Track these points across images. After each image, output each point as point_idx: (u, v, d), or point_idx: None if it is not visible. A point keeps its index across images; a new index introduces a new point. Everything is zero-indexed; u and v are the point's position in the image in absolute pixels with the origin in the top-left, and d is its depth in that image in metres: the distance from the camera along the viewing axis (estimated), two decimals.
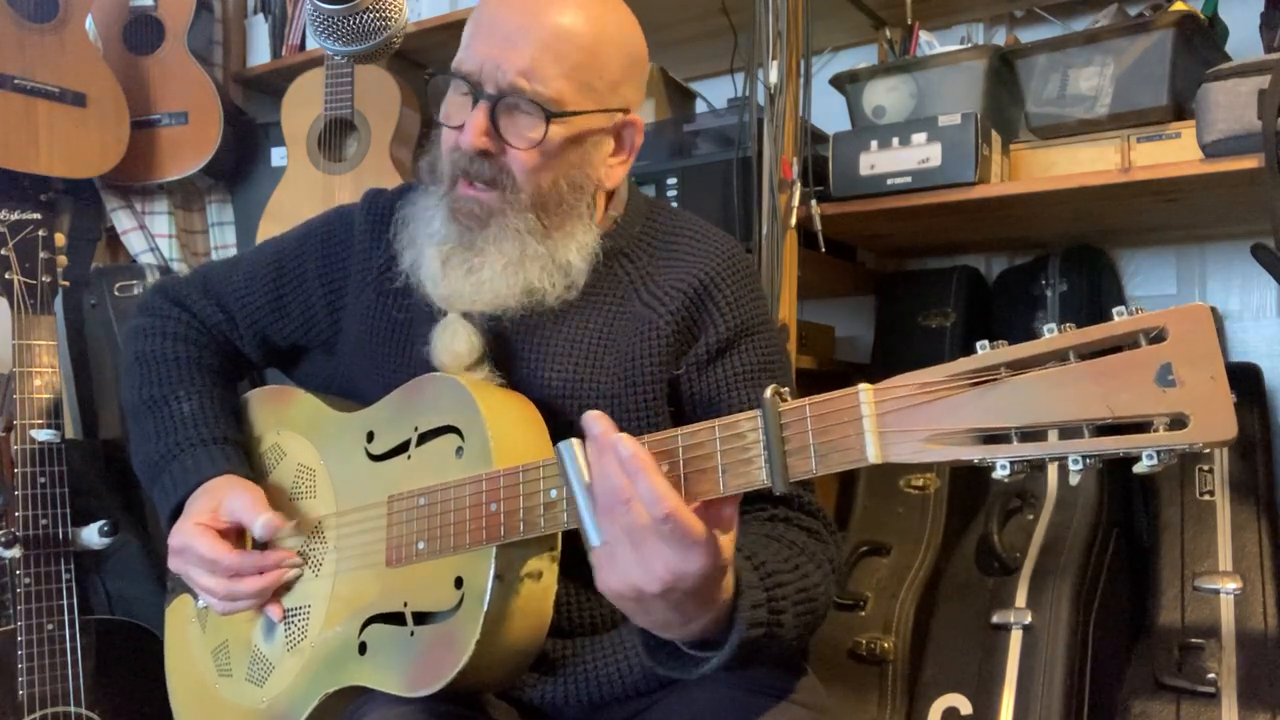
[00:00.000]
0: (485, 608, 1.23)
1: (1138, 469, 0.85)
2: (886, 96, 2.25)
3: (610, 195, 1.49)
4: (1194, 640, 1.90)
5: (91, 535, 2.18)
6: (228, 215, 2.96)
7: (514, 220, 1.36)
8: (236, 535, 1.46)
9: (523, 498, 1.22)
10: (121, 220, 2.83)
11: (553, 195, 1.37)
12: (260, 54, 3.10)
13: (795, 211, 2.09)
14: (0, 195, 2.37)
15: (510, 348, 1.43)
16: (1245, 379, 2.18)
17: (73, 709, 2.13)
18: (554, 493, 1.20)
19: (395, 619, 1.33)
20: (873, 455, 0.95)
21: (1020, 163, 2.14)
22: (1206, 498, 2.06)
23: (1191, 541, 2.03)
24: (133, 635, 2.25)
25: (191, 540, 1.41)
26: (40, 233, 2.21)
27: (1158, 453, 0.84)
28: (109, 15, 2.79)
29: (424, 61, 2.89)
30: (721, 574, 1.08)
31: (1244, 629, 1.89)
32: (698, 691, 1.34)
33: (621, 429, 1.36)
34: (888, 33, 2.53)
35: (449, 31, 2.59)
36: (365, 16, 1.91)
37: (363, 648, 1.36)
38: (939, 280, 2.52)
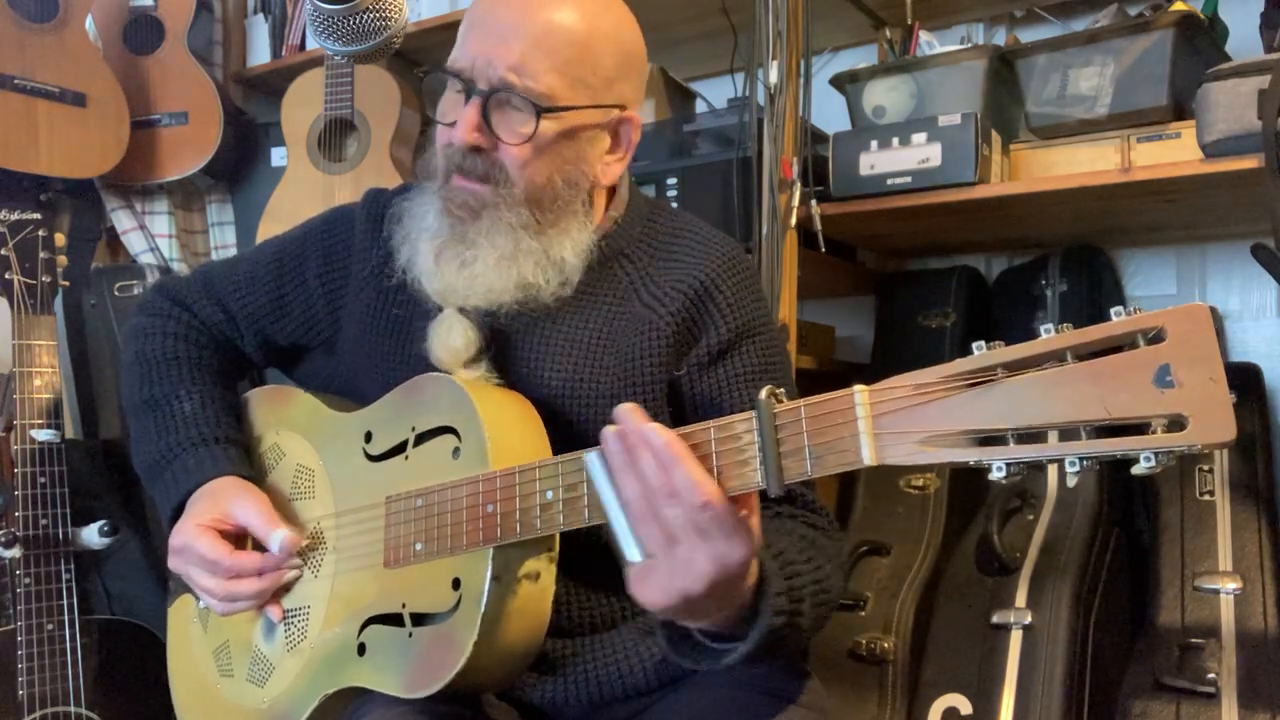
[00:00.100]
0: (483, 609, 1.23)
1: (1136, 470, 0.85)
2: (886, 96, 2.25)
3: (611, 195, 1.49)
4: (1194, 640, 1.90)
5: (91, 535, 2.18)
6: (228, 215, 2.96)
7: (507, 214, 1.36)
8: (237, 536, 1.46)
9: (519, 499, 1.22)
10: (121, 220, 2.84)
11: (547, 191, 1.37)
12: (260, 54, 3.10)
13: (795, 211, 2.09)
14: (0, 195, 2.37)
15: (510, 347, 1.43)
16: (1245, 379, 2.18)
17: (73, 709, 2.13)
18: (550, 494, 1.20)
19: (394, 620, 1.33)
20: (868, 457, 0.95)
21: (1020, 163, 2.14)
22: (1206, 498, 2.06)
23: (1191, 541, 2.02)
24: (133, 635, 2.25)
25: (192, 541, 1.41)
26: (40, 233, 2.21)
27: (1156, 454, 0.84)
28: (109, 15, 2.79)
29: (424, 61, 2.88)
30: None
31: (1244, 629, 1.89)
32: (698, 691, 1.34)
33: None
34: (888, 33, 2.53)
35: (449, 31, 2.56)
36: (365, 16, 1.90)
37: (362, 649, 1.36)
38: (939, 280, 2.52)
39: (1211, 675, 1.83)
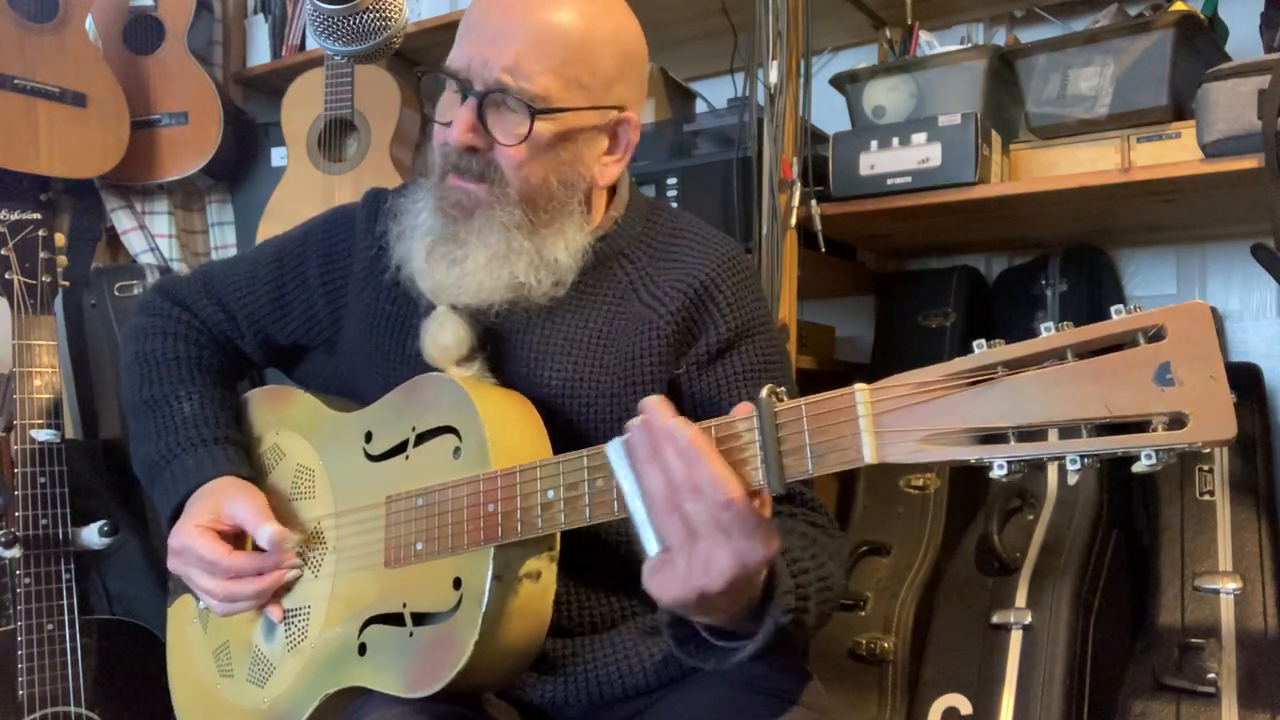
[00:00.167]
0: (484, 608, 1.23)
1: (1136, 468, 0.85)
2: (886, 96, 2.25)
3: (611, 195, 1.49)
4: (1194, 640, 1.90)
5: (91, 535, 2.18)
6: (228, 215, 2.96)
7: (500, 214, 1.35)
8: (237, 536, 1.46)
9: (520, 498, 1.22)
10: (121, 220, 2.84)
11: (542, 192, 1.37)
12: (260, 54, 3.10)
13: (795, 211, 2.09)
14: (0, 195, 2.37)
15: (508, 346, 1.43)
16: (1245, 379, 2.18)
17: (73, 709, 2.13)
18: (551, 493, 1.20)
19: (394, 620, 1.33)
20: (869, 456, 0.95)
21: (1020, 163, 2.14)
22: (1206, 498, 2.06)
23: (1191, 541, 2.02)
24: (133, 635, 2.25)
25: (191, 541, 1.41)
26: (40, 233, 2.21)
27: (1156, 452, 0.84)
28: (109, 15, 2.80)
29: (424, 61, 2.88)
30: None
31: (1244, 629, 1.89)
32: (698, 691, 1.34)
33: (620, 429, 1.37)
34: (888, 33, 2.53)
35: (449, 31, 2.55)
36: (365, 16, 1.90)
37: (362, 648, 1.36)
38: (939, 280, 2.52)
39: (1211, 675, 1.83)
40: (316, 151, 2.67)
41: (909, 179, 2.09)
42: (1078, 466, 0.86)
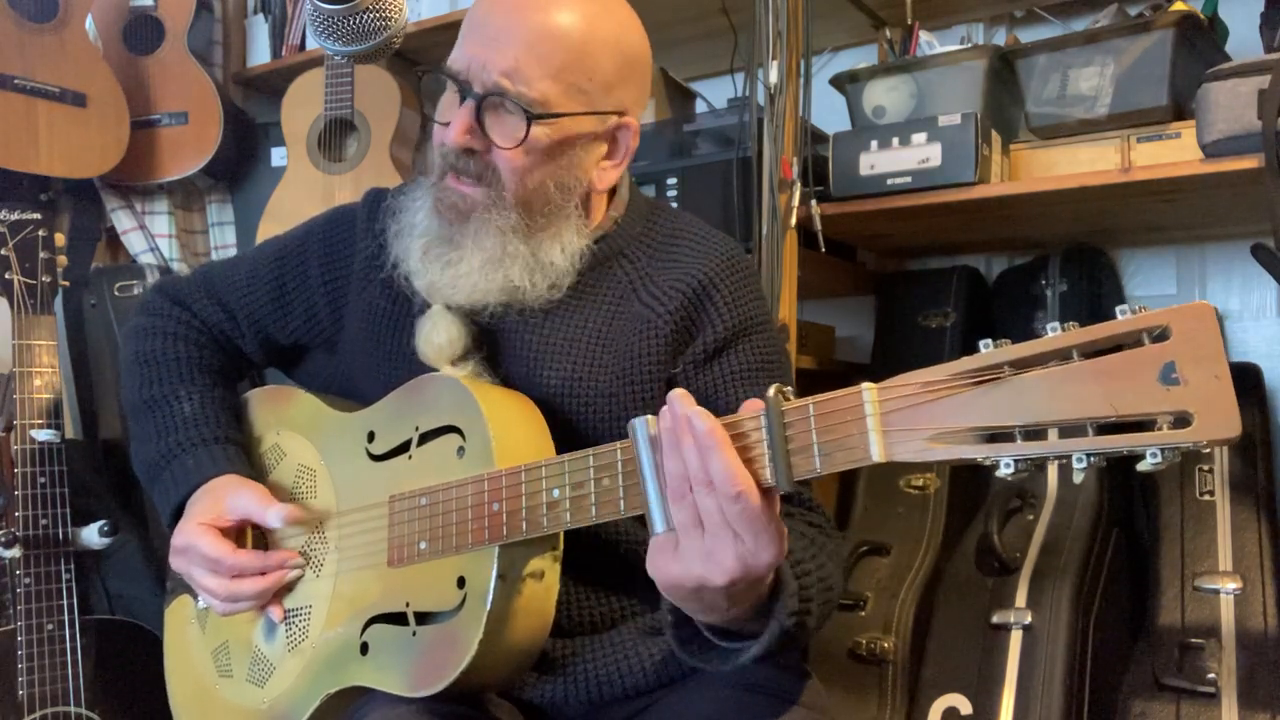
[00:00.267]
0: (488, 607, 1.23)
1: (1141, 467, 0.85)
2: (886, 96, 2.25)
3: (611, 196, 1.49)
4: (1194, 640, 1.90)
5: (91, 535, 2.18)
6: (228, 215, 2.96)
7: (496, 217, 1.36)
8: (238, 536, 1.46)
9: (525, 497, 1.22)
10: (121, 220, 2.84)
11: (539, 195, 1.37)
12: (260, 54, 3.10)
13: (795, 211, 2.09)
14: (0, 195, 2.37)
15: (507, 346, 1.43)
16: (1245, 379, 2.18)
17: (73, 709, 2.13)
18: (557, 492, 1.20)
19: (397, 619, 1.33)
20: (877, 454, 0.95)
21: (1020, 163, 2.14)
22: (1206, 497, 2.06)
23: (1191, 541, 2.03)
24: (132, 635, 2.25)
25: (194, 540, 1.41)
26: (40, 233, 2.21)
27: (1161, 451, 0.84)
28: (109, 15, 2.80)
29: (424, 61, 2.88)
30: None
31: (1244, 629, 1.89)
32: (698, 691, 1.34)
33: (619, 428, 1.37)
34: (888, 33, 2.53)
35: (449, 31, 2.56)
36: (365, 16, 1.90)
37: (364, 648, 1.36)
38: (939, 280, 2.52)
39: (1211, 675, 1.83)
40: (316, 151, 2.68)
41: (909, 179, 2.10)
42: (1083, 465, 0.87)
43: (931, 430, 0.92)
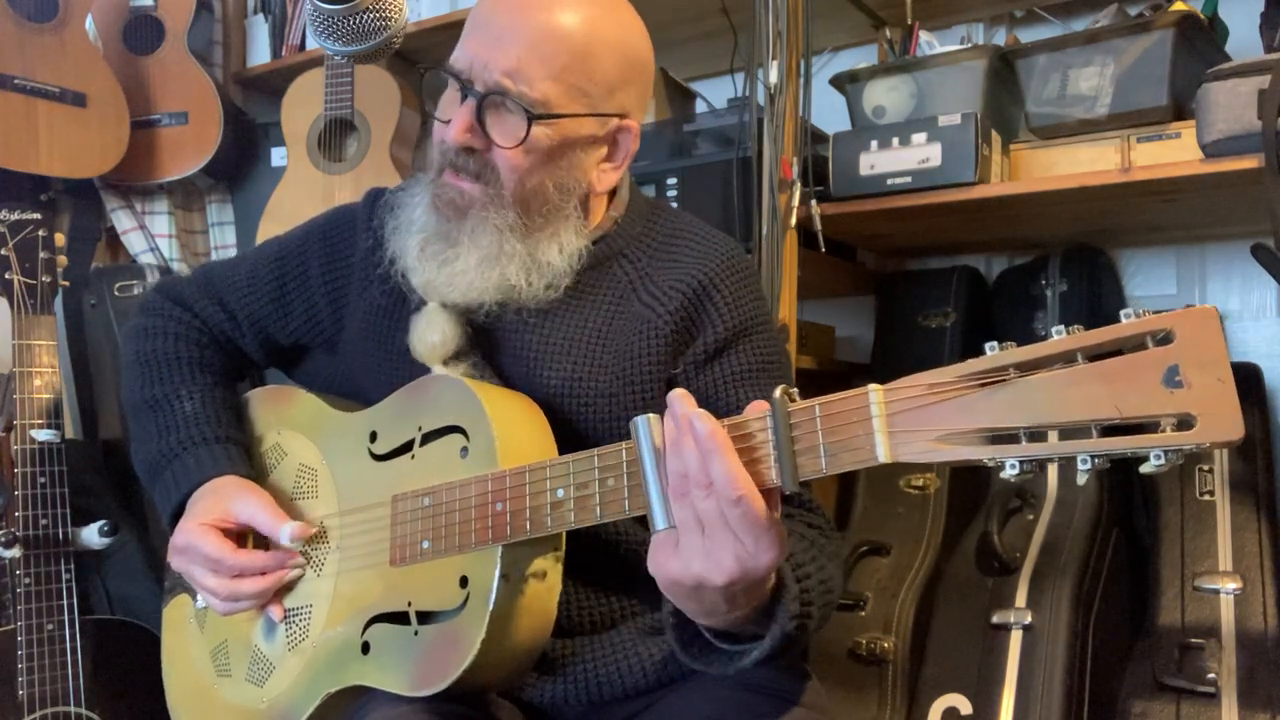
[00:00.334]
0: (491, 607, 1.23)
1: (1145, 469, 0.85)
2: (886, 96, 2.25)
3: (611, 196, 1.49)
4: (1194, 640, 1.90)
5: (91, 535, 2.18)
6: (228, 215, 2.96)
7: (494, 216, 1.36)
8: (238, 535, 1.46)
9: (529, 497, 1.22)
10: (121, 220, 2.84)
11: (538, 195, 1.37)
12: (260, 54, 3.10)
13: (795, 211, 2.09)
14: (0, 195, 2.37)
15: (508, 346, 1.43)
16: (1245, 379, 2.18)
17: (73, 709, 2.13)
18: (561, 492, 1.20)
19: (399, 618, 1.34)
20: (883, 455, 0.95)
21: (1020, 163, 2.15)
22: (1206, 498, 2.06)
23: (1191, 541, 2.03)
24: (132, 635, 2.25)
25: (196, 540, 1.41)
26: (40, 233, 2.21)
27: (1165, 453, 0.84)
28: (109, 15, 2.80)
29: (424, 61, 2.88)
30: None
31: (1244, 629, 1.89)
32: (698, 691, 1.35)
33: (619, 428, 1.37)
34: (888, 33, 2.53)
35: (449, 31, 2.58)
36: (365, 16, 1.90)
37: (365, 647, 1.36)
38: (939, 280, 2.52)
39: (1211, 675, 1.84)
40: (316, 151, 2.68)
41: (909, 179, 2.10)
42: (1088, 467, 0.87)
43: (937, 431, 0.92)
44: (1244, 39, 2.16)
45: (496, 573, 1.24)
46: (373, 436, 1.44)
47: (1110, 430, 0.87)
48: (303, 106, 2.71)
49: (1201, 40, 2.04)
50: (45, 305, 2.20)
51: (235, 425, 1.58)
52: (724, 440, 1.03)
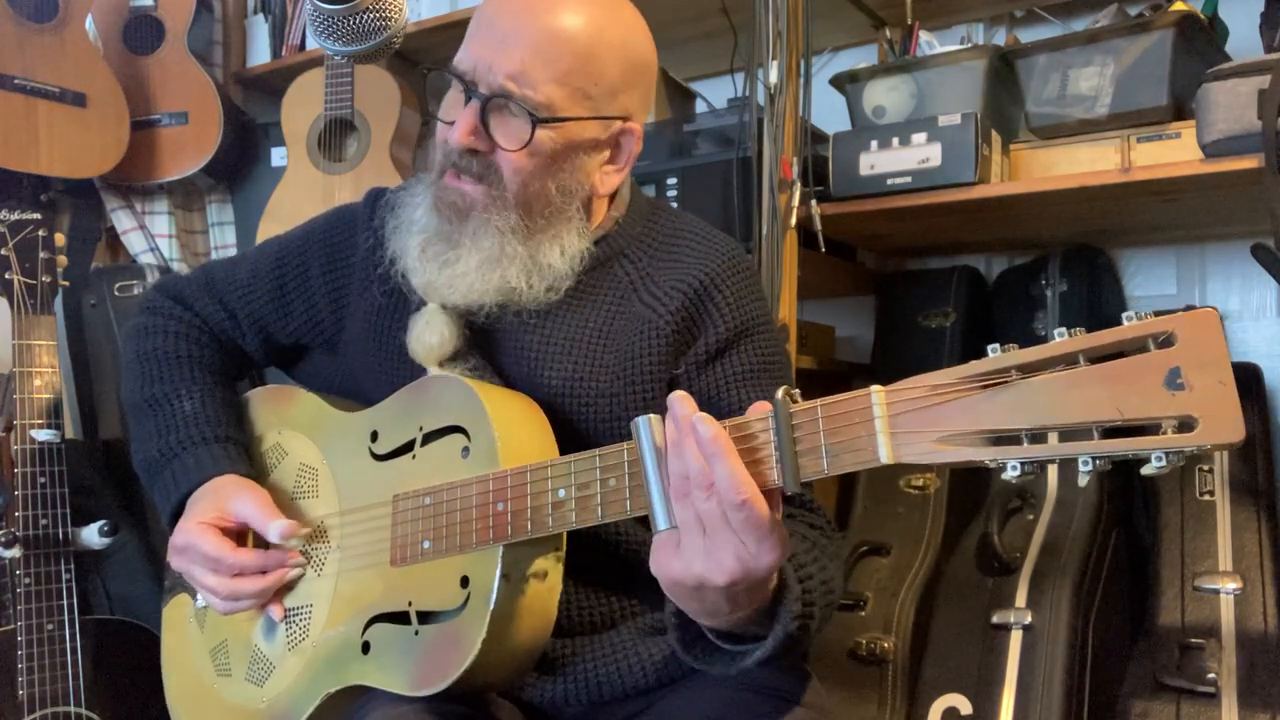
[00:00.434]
0: (491, 607, 1.23)
1: (1146, 470, 0.86)
2: (886, 96, 2.25)
3: (612, 196, 1.49)
4: (1194, 640, 1.91)
5: (91, 535, 2.18)
6: (228, 215, 2.96)
7: (496, 218, 1.36)
8: (239, 535, 1.46)
9: (530, 497, 1.22)
10: (121, 220, 2.84)
11: (540, 197, 1.37)
12: (260, 54, 3.10)
13: (795, 211, 2.09)
14: (0, 195, 2.37)
15: (508, 346, 1.43)
16: (1245, 379, 2.18)
17: (73, 709, 2.13)
18: (562, 492, 1.20)
19: (400, 618, 1.33)
20: (885, 456, 0.95)
21: (1020, 163, 2.15)
22: (1206, 498, 2.06)
23: (1191, 541, 2.03)
24: (132, 635, 2.25)
25: (195, 539, 1.41)
26: (40, 233, 2.21)
27: (1166, 454, 0.84)
28: (109, 15, 2.80)
29: (424, 61, 2.88)
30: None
31: (1244, 629, 1.89)
32: (698, 691, 1.35)
33: (620, 428, 1.37)
34: (888, 33, 2.53)
35: (449, 31, 2.58)
36: (365, 16, 1.90)
37: (366, 647, 1.36)
38: (939, 280, 2.52)
39: (1211, 675, 1.84)
40: (316, 151, 2.68)
41: (909, 179, 2.10)
42: (1089, 468, 0.87)
43: (939, 432, 0.92)
44: (1244, 39, 2.16)
45: (497, 573, 1.24)
46: (374, 436, 1.44)
47: (1112, 432, 0.87)
48: (303, 106, 2.71)
49: (1201, 40, 2.04)
50: (45, 305, 2.20)
51: (235, 425, 1.58)
52: (727, 444, 1.03)
